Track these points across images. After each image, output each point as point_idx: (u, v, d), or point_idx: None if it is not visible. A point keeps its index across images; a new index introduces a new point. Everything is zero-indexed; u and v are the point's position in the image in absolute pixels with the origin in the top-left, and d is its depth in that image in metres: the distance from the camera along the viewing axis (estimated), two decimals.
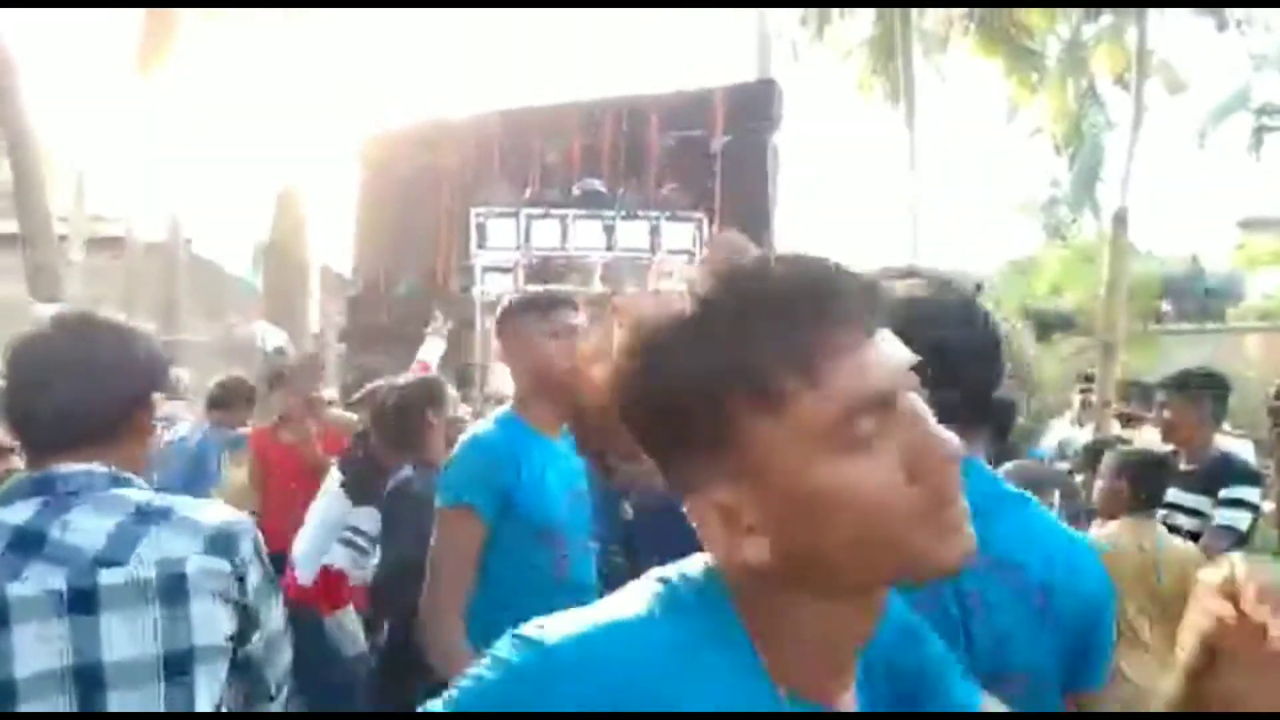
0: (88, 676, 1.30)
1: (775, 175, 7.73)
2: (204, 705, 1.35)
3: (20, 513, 1.32)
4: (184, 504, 1.42)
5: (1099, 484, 3.15)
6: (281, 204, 8.60)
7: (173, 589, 1.34)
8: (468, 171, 7.88)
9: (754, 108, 7.73)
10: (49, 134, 8.93)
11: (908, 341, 0.73)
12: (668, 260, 7.40)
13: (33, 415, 1.39)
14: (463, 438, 2.19)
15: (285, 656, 1.52)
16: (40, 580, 1.29)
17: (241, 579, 1.39)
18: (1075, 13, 18.73)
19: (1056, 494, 4.33)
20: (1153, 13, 16.51)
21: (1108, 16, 18.69)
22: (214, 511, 1.45)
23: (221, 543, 1.38)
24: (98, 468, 1.38)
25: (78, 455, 1.38)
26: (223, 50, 9.79)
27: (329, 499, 3.24)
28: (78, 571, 1.30)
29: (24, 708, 1.28)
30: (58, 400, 1.38)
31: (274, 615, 1.47)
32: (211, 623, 1.36)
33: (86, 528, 1.33)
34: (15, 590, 1.28)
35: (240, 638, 1.39)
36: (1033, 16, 17.43)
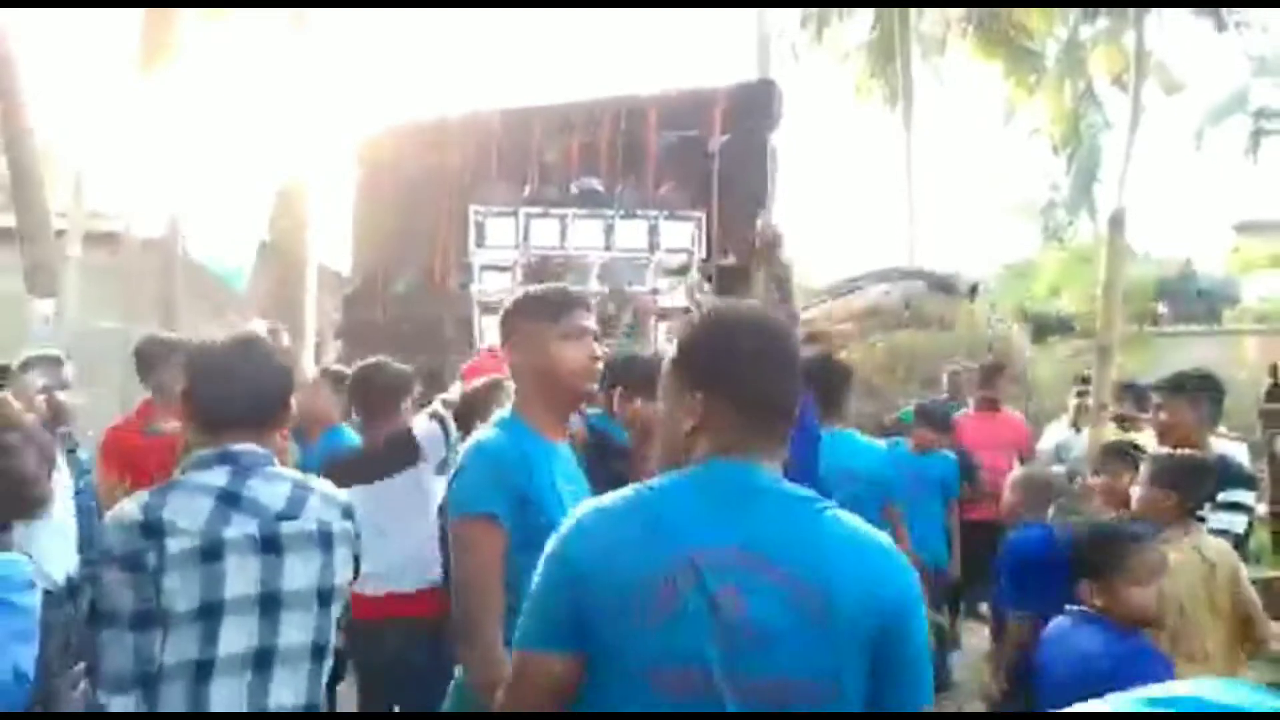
0: (271, 599, 1.78)
1: (774, 175, 7.73)
2: (332, 624, 1.89)
3: (218, 477, 1.80)
4: (320, 482, 2.00)
5: (1137, 490, 3.09)
6: (280, 202, 8.58)
7: (326, 541, 1.88)
8: (466, 170, 7.88)
9: (753, 108, 7.73)
10: (47, 130, 8.92)
11: None
12: (666, 259, 7.42)
13: (220, 403, 1.86)
14: (466, 446, 2.11)
15: None
16: (241, 526, 1.77)
17: (358, 536, 1.99)
18: (1073, 14, 18.77)
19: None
20: (1151, 14, 16.54)
21: (1106, 18, 18.73)
22: (340, 490, 2.03)
23: (349, 511, 1.98)
24: (259, 448, 1.88)
25: (245, 437, 1.87)
26: (223, 48, 9.78)
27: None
28: (267, 522, 1.81)
29: (226, 620, 1.73)
30: (241, 393, 1.87)
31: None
32: (345, 567, 1.93)
33: (268, 491, 1.84)
34: (227, 533, 1.75)
35: (348, 584, 1.97)
36: (1031, 18, 17.47)
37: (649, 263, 7.38)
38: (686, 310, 6.96)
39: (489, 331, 7.28)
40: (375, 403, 3.47)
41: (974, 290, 12.61)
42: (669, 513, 1.39)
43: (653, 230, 7.45)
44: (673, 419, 1.50)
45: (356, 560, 1.99)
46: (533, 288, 2.30)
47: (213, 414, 1.88)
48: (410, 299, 8.00)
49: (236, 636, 1.73)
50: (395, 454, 3.17)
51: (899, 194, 18.30)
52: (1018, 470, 4.52)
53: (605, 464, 2.91)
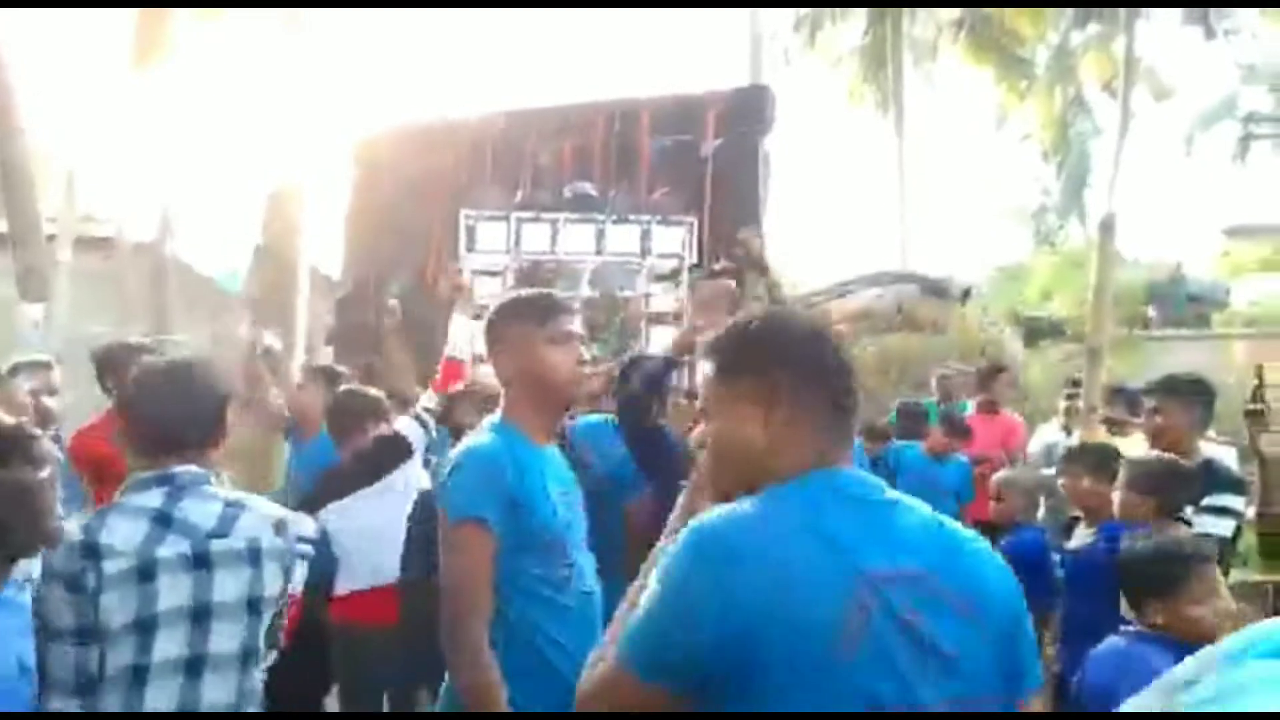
0: (202, 611, 1.92)
1: (767, 180, 7.75)
2: (261, 631, 2.02)
3: (154, 499, 1.93)
4: (253, 499, 2.10)
5: (1116, 494, 3.14)
6: (273, 205, 8.56)
7: (255, 557, 1.99)
8: (458, 174, 7.87)
9: (746, 112, 7.75)
10: (38, 132, 8.89)
11: None
12: (658, 264, 7.43)
13: (158, 426, 1.99)
14: (458, 450, 2.13)
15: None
16: (174, 546, 1.90)
17: (288, 552, 2.09)
18: (1064, 20, 18.86)
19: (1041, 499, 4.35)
20: (1140, 20, 16.62)
21: (1096, 23, 18.82)
22: (272, 506, 2.15)
23: (282, 527, 2.08)
24: (195, 468, 2.00)
25: (184, 458, 1.99)
26: (216, 49, 9.77)
27: None
28: (198, 541, 1.93)
29: (160, 631, 1.86)
30: (177, 416, 1.99)
31: (296, 579, 2.27)
32: (274, 580, 2.04)
33: (200, 511, 1.96)
34: (160, 553, 1.87)
35: (282, 593, 2.08)
36: (1022, 24, 17.55)
37: (640, 268, 7.39)
38: (677, 316, 6.98)
39: (479, 337, 7.28)
40: (346, 426, 3.61)
41: (966, 294, 12.65)
42: (836, 532, 1.26)
43: (645, 235, 7.46)
44: (742, 434, 1.36)
45: (288, 573, 2.13)
46: (518, 292, 2.30)
47: (151, 437, 2.01)
48: (402, 303, 7.98)
49: (169, 645, 1.89)
50: (389, 451, 3.22)
51: (891, 198, 18.36)
52: (1001, 473, 4.54)
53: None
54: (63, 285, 8.35)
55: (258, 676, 2.06)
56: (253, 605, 2.00)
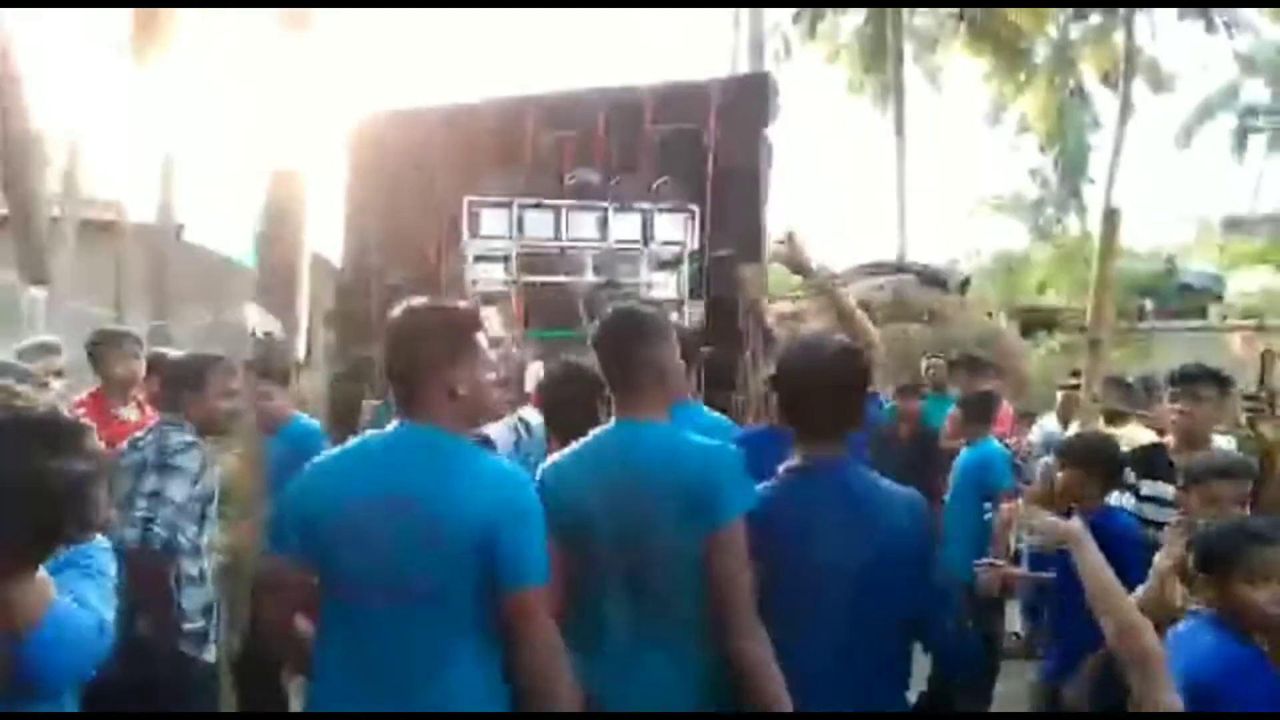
0: None
1: (768, 169, 7.76)
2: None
3: None
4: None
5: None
6: (274, 189, 8.55)
7: None
8: (460, 160, 7.87)
9: (749, 101, 7.75)
10: (40, 116, 8.87)
11: None
12: (659, 251, 7.43)
13: None
14: (519, 485, 2.07)
15: None
16: None
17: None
18: (1064, 12, 18.86)
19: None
20: (1140, 13, 16.62)
21: (1097, 15, 18.83)
22: None
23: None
24: None
25: None
26: (216, 33, 9.75)
27: None
28: None
29: None
30: None
31: None
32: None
33: None
34: None
35: None
36: (1022, 16, 17.54)
37: (642, 255, 7.40)
38: (679, 303, 7.00)
39: (483, 323, 7.28)
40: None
41: (965, 285, 12.68)
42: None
43: (647, 223, 7.47)
44: None
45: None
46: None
47: None
48: (403, 289, 7.99)
49: None
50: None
51: (890, 189, 18.37)
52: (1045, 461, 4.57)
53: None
54: (65, 268, 8.35)
55: None
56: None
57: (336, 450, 2.06)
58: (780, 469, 2.17)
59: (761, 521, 2.00)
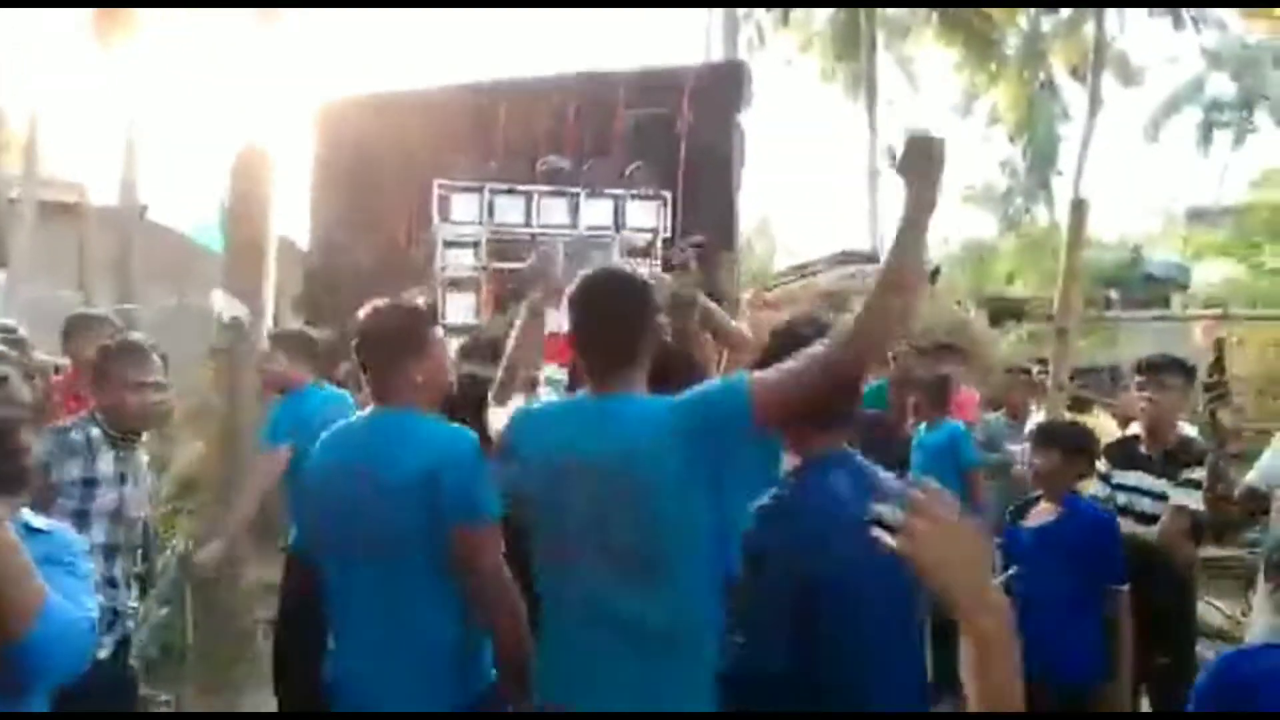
0: None
1: (741, 157, 7.76)
2: None
3: None
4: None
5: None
6: (238, 172, 8.42)
7: None
8: (430, 144, 7.80)
9: (722, 88, 7.75)
10: None
11: None
12: (631, 238, 7.42)
13: None
14: (455, 440, 2.16)
15: None
16: None
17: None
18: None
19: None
20: (1110, 9, 16.76)
21: (1067, 10, 18.98)
22: None
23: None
24: None
25: None
26: (182, 13, 9.57)
27: None
28: None
29: None
30: None
31: None
32: None
33: None
34: None
35: None
36: (994, 9, 17.65)
37: (613, 241, 7.38)
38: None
39: (452, 308, 7.24)
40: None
41: (935, 274, 12.75)
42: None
43: (618, 209, 7.44)
44: None
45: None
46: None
47: None
48: (372, 273, 7.92)
49: None
50: None
51: (861, 178, 18.43)
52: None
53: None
54: (23, 249, 8.19)
55: None
56: None
57: (334, 428, 2.34)
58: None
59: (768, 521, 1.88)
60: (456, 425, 2.20)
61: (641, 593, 1.84)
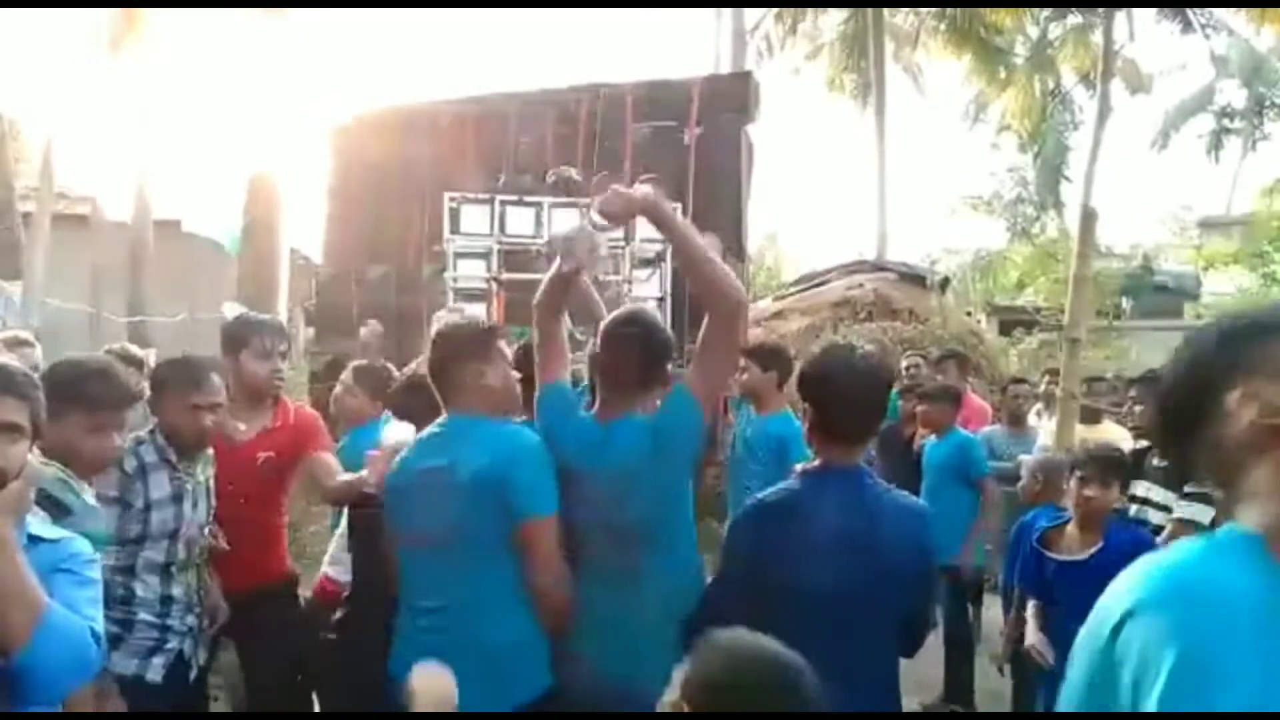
0: None
1: (749, 168, 7.78)
2: None
3: None
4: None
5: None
6: (254, 187, 8.51)
7: None
8: (441, 157, 7.85)
9: (730, 100, 7.78)
10: (13, 110, 8.77)
11: None
12: (641, 249, 7.44)
13: None
14: (521, 442, 2.33)
15: None
16: None
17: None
18: (1044, 11, 18.97)
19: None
20: (1119, 14, 16.77)
21: (1075, 16, 18.96)
22: None
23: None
24: None
25: None
26: (196, 31, 9.66)
27: None
28: None
29: None
30: None
31: None
32: None
33: None
34: None
35: None
36: (1002, 16, 17.63)
37: (623, 252, 7.40)
38: (660, 300, 7.00)
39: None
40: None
41: (945, 283, 12.74)
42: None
43: (628, 220, 7.46)
44: None
45: None
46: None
47: None
48: (384, 286, 7.97)
49: None
50: None
51: (870, 188, 18.43)
52: (1036, 455, 4.61)
53: None
54: (39, 262, 8.26)
55: None
56: None
57: (420, 436, 2.53)
58: (796, 469, 2.20)
59: (770, 521, 2.07)
60: (520, 426, 2.43)
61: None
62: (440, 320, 2.60)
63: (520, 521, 2.24)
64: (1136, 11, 17.98)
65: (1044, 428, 5.81)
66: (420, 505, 2.35)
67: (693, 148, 7.68)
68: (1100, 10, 17.14)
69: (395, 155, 7.88)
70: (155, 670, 2.62)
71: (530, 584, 2.26)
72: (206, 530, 2.87)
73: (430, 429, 2.48)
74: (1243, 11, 16.65)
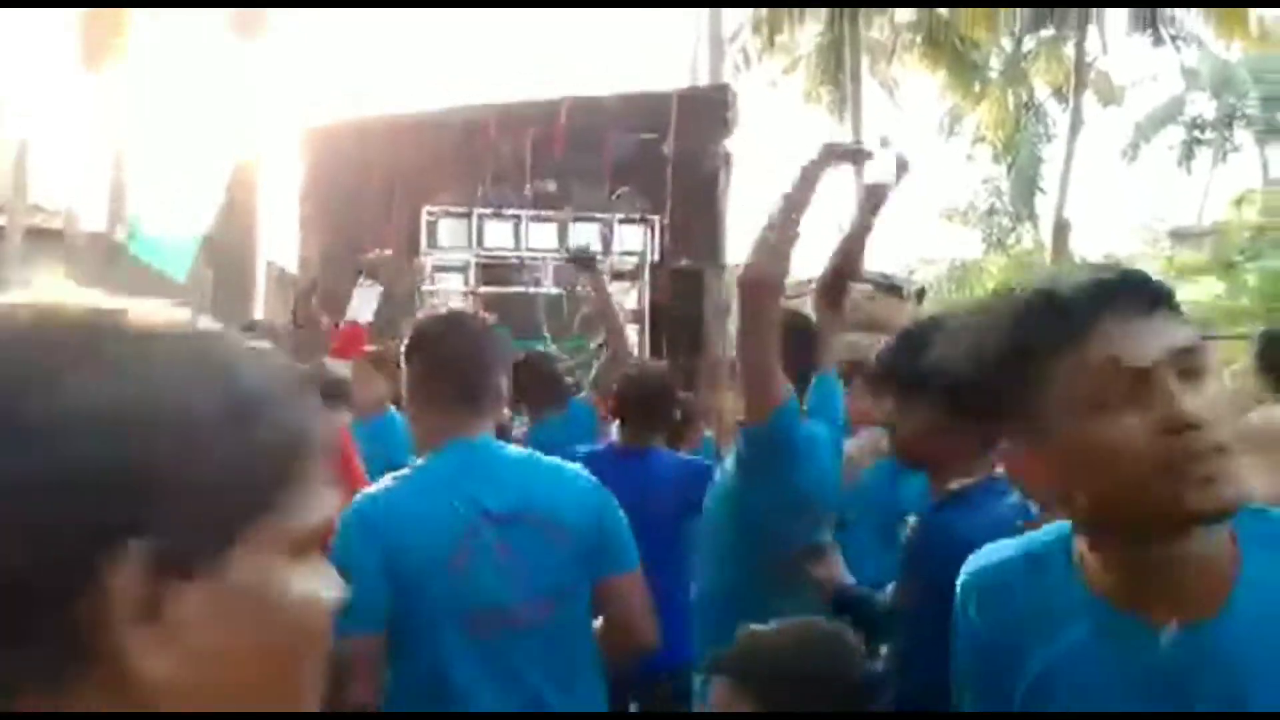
0: None
1: (727, 180, 7.82)
2: None
3: None
4: None
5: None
6: (227, 196, 8.46)
7: None
8: (418, 169, 7.83)
9: (708, 112, 7.81)
10: None
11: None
12: (619, 261, 7.45)
13: None
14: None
15: None
16: None
17: None
18: (1018, 25, 19.20)
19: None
20: (1090, 26, 16.96)
21: (1048, 29, 19.20)
22: None
23: None
24: None
25: None
26: (168, 38, 9.59)
27: None
28: None
29: None
30: None
31: None
32: None
33: None
34: None
35: None
36: (977, 29, 17.83)
37: (602, 265, 7.41)
38: (637, 314, 7.01)
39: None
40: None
41: (921, 294, 12.81)
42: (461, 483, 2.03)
43: (606, 233, 7.48)
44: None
45: None
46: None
47: None
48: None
49: None
50: None
51: (847, 199, 18.52)
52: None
53: None
54: (12, 274, 8.17)
55: None
56: None
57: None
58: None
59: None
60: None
61: None
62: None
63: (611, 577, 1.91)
64: (1108, 24, 18.27)
65: None
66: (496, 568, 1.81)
67: (671, 159, 7.70)
68: (1073, 24, 17.40)
69: (372, 165, 7.84)
70: None
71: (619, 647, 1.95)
72: None
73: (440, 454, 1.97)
74: (1212, 24, 16.93)
